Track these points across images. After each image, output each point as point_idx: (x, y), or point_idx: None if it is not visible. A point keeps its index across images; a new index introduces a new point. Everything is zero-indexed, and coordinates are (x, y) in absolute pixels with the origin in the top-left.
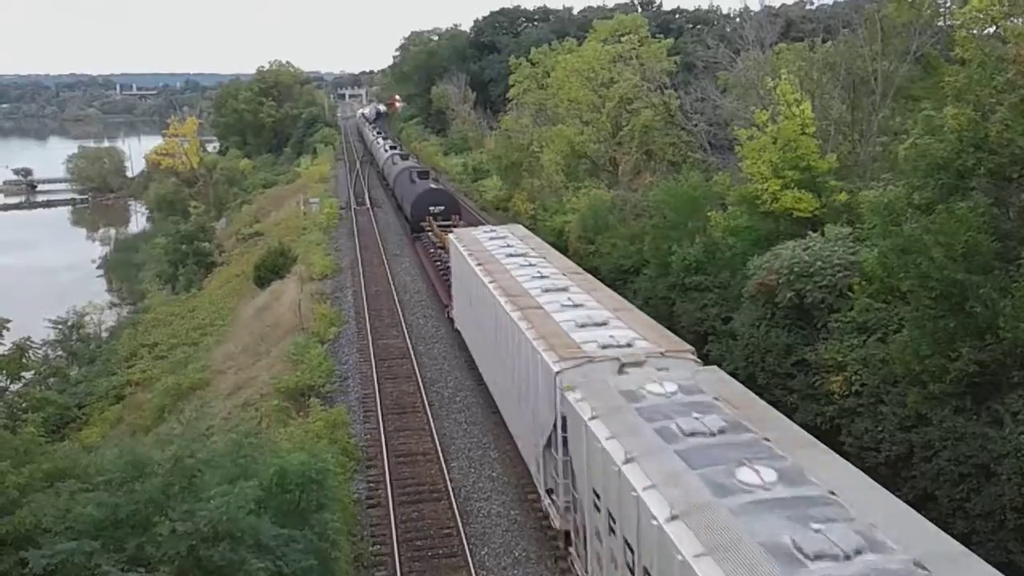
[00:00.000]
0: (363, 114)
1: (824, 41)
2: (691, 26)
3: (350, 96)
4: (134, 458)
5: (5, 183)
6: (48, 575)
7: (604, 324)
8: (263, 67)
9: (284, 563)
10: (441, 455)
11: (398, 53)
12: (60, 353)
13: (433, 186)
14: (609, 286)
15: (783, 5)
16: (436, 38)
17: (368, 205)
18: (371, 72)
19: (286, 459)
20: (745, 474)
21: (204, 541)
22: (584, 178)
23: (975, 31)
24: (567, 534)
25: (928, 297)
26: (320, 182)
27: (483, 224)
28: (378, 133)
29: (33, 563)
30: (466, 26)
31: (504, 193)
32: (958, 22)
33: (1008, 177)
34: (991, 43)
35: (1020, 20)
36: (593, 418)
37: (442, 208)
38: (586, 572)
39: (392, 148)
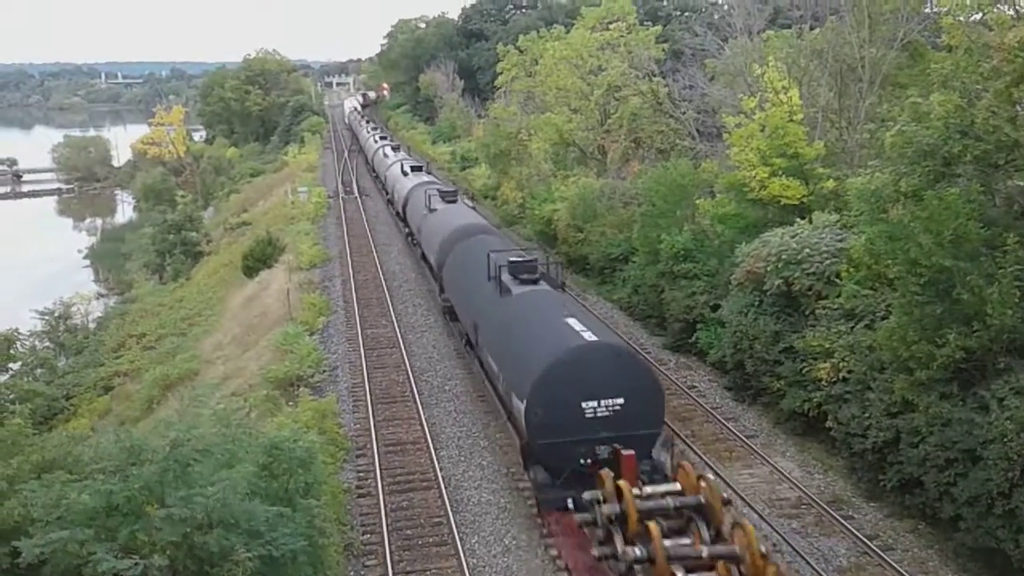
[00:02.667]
0: (355, 108)
1: (812, 28)
2: (679, 13)
3: (337, 84)
4: (132, 443)
5: None
6: (40, 564)
7: None
8: (249, 55)
9: (273, 547)
10: (431, 444)
11: (385, 41)
12: (47, 344)
13: (591, 336)
14: (598, 275)
15: None
16: (424, 26)
17: (356, 194)
18: (358, 60)
19: (275, 435)
20: None
21: (199, 528)
22: (573, 166)
23: (961, 18)
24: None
25: (915, 283)
26: (308, 171)
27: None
28: (381, 137)
29: (26, 552)
30: (454, 13)
31: (492, 181)
32: (944, 9)
33: (994, 164)
34: (977, 30)
35: (1006, 7)
36: None
37: (628, 433)
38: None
39: (415, 169)
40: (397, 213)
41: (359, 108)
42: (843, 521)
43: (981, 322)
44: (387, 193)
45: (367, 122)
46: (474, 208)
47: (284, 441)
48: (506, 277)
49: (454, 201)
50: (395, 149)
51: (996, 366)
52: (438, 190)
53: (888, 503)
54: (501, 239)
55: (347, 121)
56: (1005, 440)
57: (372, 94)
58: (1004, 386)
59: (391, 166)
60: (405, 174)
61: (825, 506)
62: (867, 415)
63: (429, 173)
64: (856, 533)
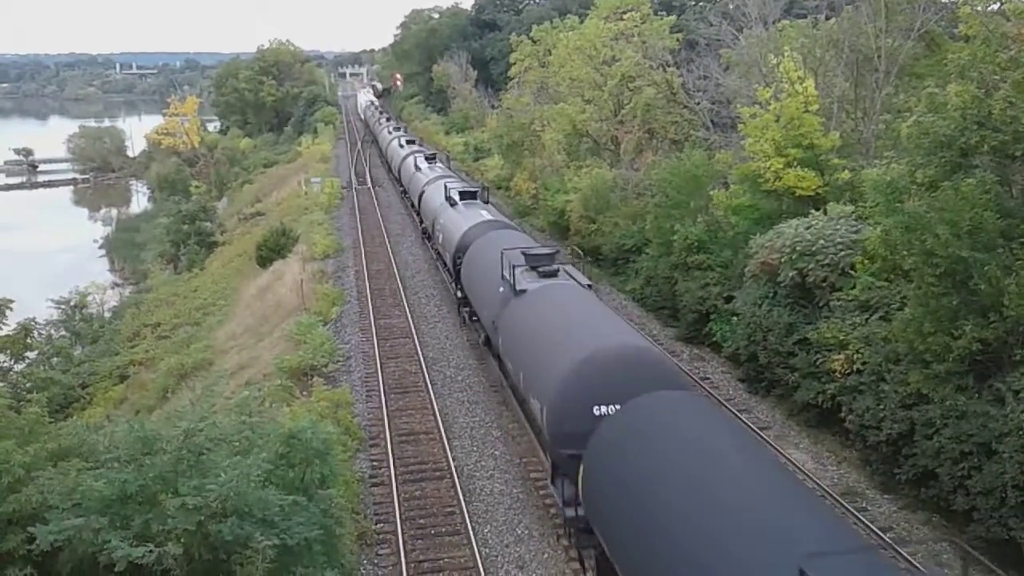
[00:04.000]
0: (371, 103)
1: (827, 18)
2: (694, 3)
3: (351, 75)
4: (144, 433)
5: (6, 163)
6: (55, 551)
7: None
8: (263, 46)
9: (288, 536)
10: (443, 434)
11: (399, 31)
12: (63, 333)
13: None
14: (611, 266)
15: None
16: (437, 16)
17: (369, 184)
18: (372, 51)
19: (293, 424)
20: None
21: (213, 516)
22: (586, 157)
23: (979, 8)
24: None
25: (931, 275)
26: (321, 161)
27: None
28: (408, 141)
29: (40, 539)
30: (467, 4)
31: (505, 172)
32: None
33: (1012, 155)
34: (995, 20)
35: None
36: None
37: None
38: None
39: (466, 196)
40: (438, 255)
41: (375, 102)
42: (857, 513)
43: (998, 313)
44: (420, 219)
45: (387, 120)
46: (592, 286)
47: (302, 431)
48: None
49: (554, 273)
50: (430, 159)
51: (1012, 358)
52: (522, 251)
53: (902, 495)
54: (712, 405)
55: (363, 117)
56: (1020, 433)
57: (379, 85)
58: (1020, 378)
59: (428, 185)
60: (452, 203)
61: (839, 498)
62: (882, 407)
63: (487, 202)
64: (870, 525)
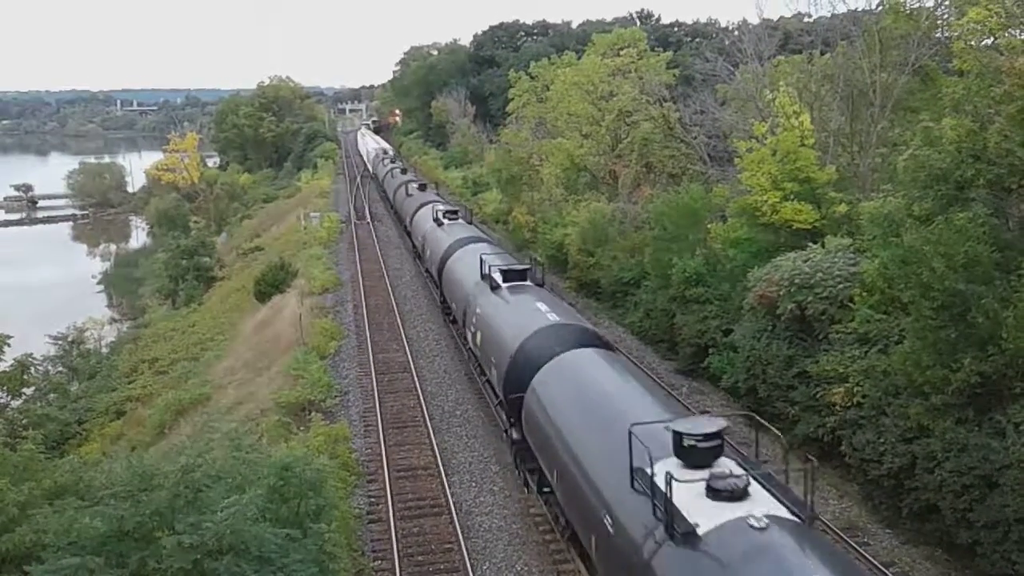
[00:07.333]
0: (383, 151)
1: (822, 53)
2: (690, 39)
3: (350, 111)
4: (143, 469)
5: (6, 199)
6: None
7: None
8: (263, 82)
9: (284, 574)
10: (442, 469)
11: (398, 68)
12: (60, 369)
13: None
14: (609, 299)
15: (781, 18)
16: (436, 52)
17: (368, 219)
18: (371, 87)
19: (287, 456)
20: None
21: (209, 554)
22: (584, 191)
23: (973, 43)
24: None
25: (929, 308)
26: (320, 196)
27: None
28: (400, 170)
29: None
30: (465, 40)
31: (504, 206)
32: (956, 34)
33: (1007, 188)
34: (989, 55)
35: (1017, 32)
36: None
37: None
38: None
39: (450, 213)
40: (426, 271)
41: (388, 151)
42: (859, 548)
43: (996, 346)
44: (411, 238)
45: (416, 186)
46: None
47: (295, 463)
48: None
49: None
50: (422, 188)
51: (1012, 391)
52: (497, 262)
53: (904, 529)
54: (615, 356)
55: (371, 170)
56: (1022, 466)
57: (370, 124)
58: (1020, 411)
59: (419, 209)
60: (439, 223)
61: (840, 533)
62: (882, 440)
63: (469, 222)
64: (872, 560)
